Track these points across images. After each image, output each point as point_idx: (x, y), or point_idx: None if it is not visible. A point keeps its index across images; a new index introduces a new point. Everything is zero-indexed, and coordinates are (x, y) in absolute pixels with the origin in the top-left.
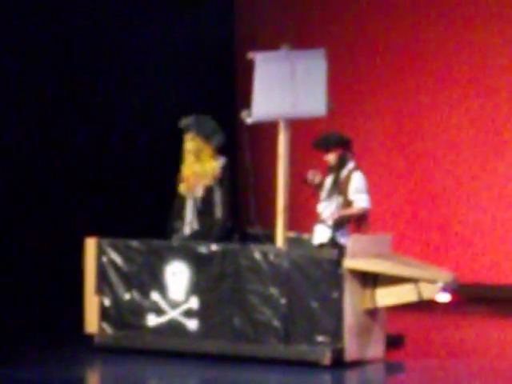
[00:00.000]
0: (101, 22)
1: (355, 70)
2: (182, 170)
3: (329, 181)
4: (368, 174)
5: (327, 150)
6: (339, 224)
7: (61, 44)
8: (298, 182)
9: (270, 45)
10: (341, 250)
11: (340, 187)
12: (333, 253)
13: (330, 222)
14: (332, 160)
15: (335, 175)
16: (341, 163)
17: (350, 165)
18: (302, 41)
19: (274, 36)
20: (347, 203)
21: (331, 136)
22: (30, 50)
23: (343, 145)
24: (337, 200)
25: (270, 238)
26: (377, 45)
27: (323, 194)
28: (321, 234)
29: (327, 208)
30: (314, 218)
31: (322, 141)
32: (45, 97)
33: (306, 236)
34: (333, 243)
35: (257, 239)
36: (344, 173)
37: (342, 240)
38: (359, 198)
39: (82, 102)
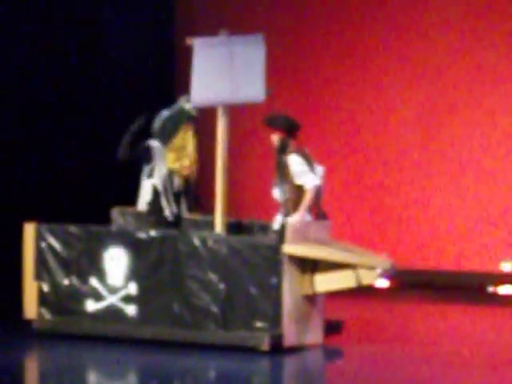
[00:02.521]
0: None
1: (295, 54)
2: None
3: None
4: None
5: (271, 129)
6: (293, 210)
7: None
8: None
9: (209, 30)
10: (279, 235)
11: (284, 174)
12: (271, 238)
13: (283, 210)
14: (274, 141)
15: (277, 160)
16: (281, 147)
17: (289, 149)
18: (241, 26)
19: (213, 21)
20: (295, 187)
21: (277, 117)
22: None
23: (286, 128)
24: (284, 186)
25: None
26: (318, 28)
27: (275, 178)
28: (277, 221)
29: (279, 194)
30: (257, 204)
31: (268, 119)
32: None
33: (245, 221)
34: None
35: (196, 225)
36: (284, 158)
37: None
38: (304, 180)
39: (19, 91)
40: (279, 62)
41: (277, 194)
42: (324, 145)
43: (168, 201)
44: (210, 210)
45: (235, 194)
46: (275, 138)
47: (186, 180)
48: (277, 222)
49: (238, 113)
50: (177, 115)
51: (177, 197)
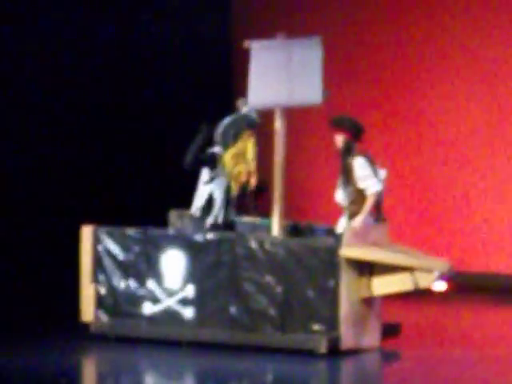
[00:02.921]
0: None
1: (354, 56)
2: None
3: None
4: None
5: (336, 130)
6: (356, 213)
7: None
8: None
9: (267, 33)
10: (337, 238)
11: (348, 176)
12: (329, 241)
13: (347, 213)
14: (339, 143)
15: (341, 163)
16: (346, 149)
17: (354, 152)
18: (297, 29)
19: (270, 24)
20: (359, 190)
21: (343, 119)
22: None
23: (352, 130)
24: (348, 189)
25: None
26: (379, 29)
27: (339, 181)
28: (341, 224)
29: (342, 197)
30: (318, 206)
31: (334, 121)
32: (41, 88)
33: (304, 224)
34: None
35: (254, 228)
36: (349, 161)
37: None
38: (367, 184)
39: (80, 93)
40: (337, 65)
41: (340, 196)
42: (383, 145)
43: (222, 208)
44: (270, 214)
45: (299, 197)
46: (340, 140)
47: (243, 186)
48: (340, 225)
49: (300, 115)
50: (239, 121)
51: (231, 202)
